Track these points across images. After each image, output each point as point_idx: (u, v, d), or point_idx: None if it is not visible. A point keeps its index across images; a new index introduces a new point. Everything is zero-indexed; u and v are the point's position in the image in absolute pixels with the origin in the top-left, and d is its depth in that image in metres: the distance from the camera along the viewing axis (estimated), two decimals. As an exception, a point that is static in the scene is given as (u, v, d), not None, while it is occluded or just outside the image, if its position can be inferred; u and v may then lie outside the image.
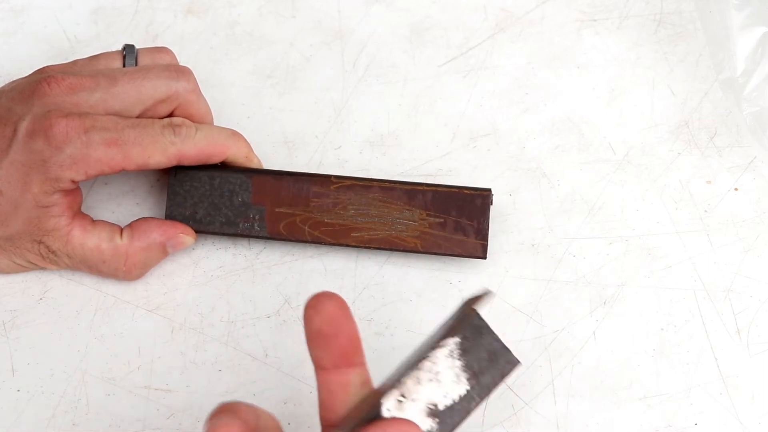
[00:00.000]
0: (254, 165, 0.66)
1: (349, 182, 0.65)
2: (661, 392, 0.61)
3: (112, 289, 0.65)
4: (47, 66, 0.65)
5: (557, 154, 0.69)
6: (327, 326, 0.50)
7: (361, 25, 0.74)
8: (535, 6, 0.74)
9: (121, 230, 0.64)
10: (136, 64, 0.66)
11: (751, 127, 0.66)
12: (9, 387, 0.62)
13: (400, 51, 0.73)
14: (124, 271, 0.64)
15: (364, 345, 0.63)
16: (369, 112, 0.71)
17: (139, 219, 0.65)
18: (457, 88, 0.71)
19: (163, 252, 0.64)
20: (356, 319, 0.64)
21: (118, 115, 0.62)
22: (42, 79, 0.62)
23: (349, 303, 0.64)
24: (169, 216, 0.65)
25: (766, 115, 0.66)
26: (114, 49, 0.67)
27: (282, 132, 0.70)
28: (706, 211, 0.67)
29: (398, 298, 0.65)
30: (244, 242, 0.67)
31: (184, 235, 0.64)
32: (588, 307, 0.64)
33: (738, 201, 0.67)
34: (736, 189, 0.67)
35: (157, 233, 0.64)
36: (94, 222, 0.63)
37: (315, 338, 0.51)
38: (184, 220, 0.65)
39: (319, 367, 0.51)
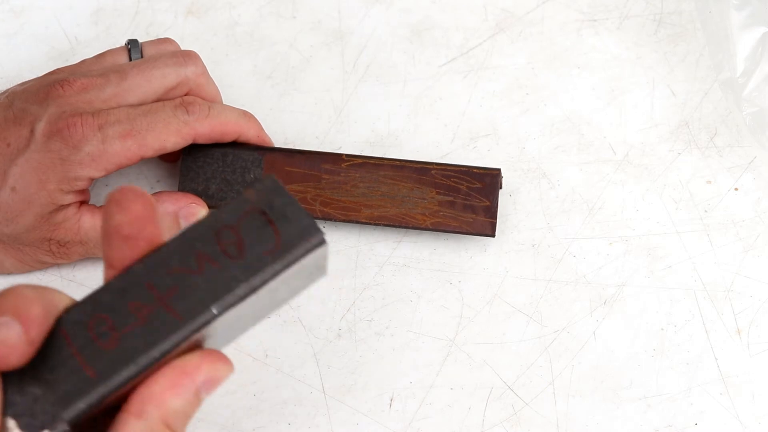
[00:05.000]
0: (266, 144, 0.66)
1: (360, 160, 0.65)
2: (661, 392, 0.61)
3: (112, 289, 0.65)
4: (58, 68, 0.65)
5: (557, 154, 0.69)
6: (128, 227, 0.45)
7: (361, 25, 0.74)
8: (535, 6, 0.74)
9: None
10: (141, 57, 0.66)
11: (751, 127, 0.66)
12: (9, 387, 0.62)
13: (400, 51, 0.73)
14: None
15: (365, 345, 0.63)
16: (369, 112, 0.71)
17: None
18: (457, 89, 0.71)
19: (176, 223, 0.64)
20: (356, 319, 0.64)
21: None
22: (55, 81, 0.62)
23: (349, 303, 0.65)
24: (182, 191, 0.66)
25: (766, 115, 0.66)
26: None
27: (282, 132, 0.70)
28: (706, 211, 0.67)
29: (398, 298, 0.65)
30: (245, 242, 0.67)
31: (196, 205, 0.65)
32: (588, 307, 0.64)
33: (738, 201, 0.67)
34: (736, 189, 0.67)
35: (168, 202, 0.64)
36: (101, 207, 0.64)
37: (111, 236, 0.46)
38: (197, 195, 0.65)
39: (108, 266, 0.46)
